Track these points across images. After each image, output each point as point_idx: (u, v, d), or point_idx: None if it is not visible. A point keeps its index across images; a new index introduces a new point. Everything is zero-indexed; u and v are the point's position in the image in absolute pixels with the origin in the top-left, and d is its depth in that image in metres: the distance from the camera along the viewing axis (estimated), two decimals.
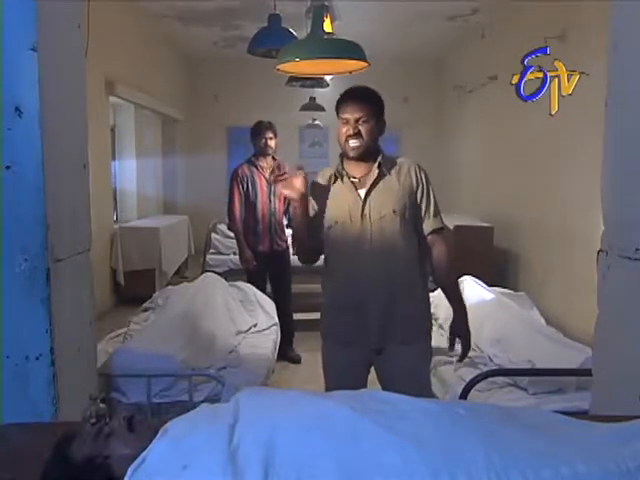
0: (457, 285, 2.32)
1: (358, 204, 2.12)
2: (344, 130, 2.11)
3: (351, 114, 2.09)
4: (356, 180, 2.15)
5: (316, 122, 8.17)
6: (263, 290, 4.20)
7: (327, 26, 3.09)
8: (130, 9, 6.24)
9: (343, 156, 2.18)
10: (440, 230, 2.22)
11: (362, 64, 2.56)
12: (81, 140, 1.82)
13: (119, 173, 6.87)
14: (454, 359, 2.36)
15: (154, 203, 8.12)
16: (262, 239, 4.13)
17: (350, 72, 2.76)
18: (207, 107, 9.40)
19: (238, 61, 7.43)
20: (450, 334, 2.22)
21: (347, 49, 2.50)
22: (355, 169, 2.16)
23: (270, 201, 4.13)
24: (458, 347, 2.22)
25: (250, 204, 4.11)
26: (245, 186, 4.10)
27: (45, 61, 1.51)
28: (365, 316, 2.15)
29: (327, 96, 7.69)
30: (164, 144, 8.53)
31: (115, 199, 6.72)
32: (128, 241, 6.00)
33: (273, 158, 4.22)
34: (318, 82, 5.17)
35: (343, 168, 2.17)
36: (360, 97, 2.13)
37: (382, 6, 6.23)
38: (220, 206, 8.26)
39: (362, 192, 2.13)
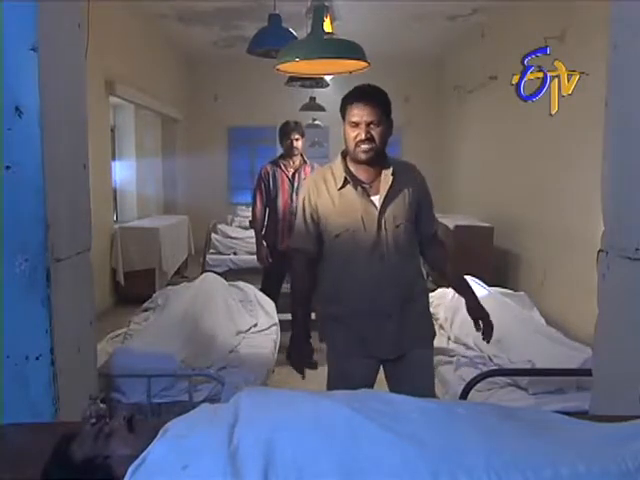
0: (463, 276, 2.31)
1: (373, 213, 2.03)
2: (354, 134, 1.98)
3: (361, 117, 1.96)
4: (367, 186, 2.05)
5: (316, 122, 8.17)
6: (279, 289, 4.20)
7: (327, 26, 3.09)
8: (130, 9, 6.24)
9: (346, 158, 2.08)
10: (436, 232, 2.23)
11: (362, 64, 2.55)
12: (81, 140, 1.82)
13: (119, 173, 6.87)
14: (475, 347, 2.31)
15: (154, 203, 8.13)
16: (282, 238, 4.10)
17: (350, 72, 2.76)
18: (207, 107, 9.40)
19: (238, 61, 7.43)
20: (471, 317, 2.18)
21: (347, 49, 2.50)
22: (363, 173, 2.06)
23: (292, 200, 4.09)
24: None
25: (271, 202, 4.12)
26: (267, 185, 4.11)
27: (45, 61, 1.51)
28: (381, 327, 2.08)
29: (327, 96, 7.70)
30: (164, 144, 8.54)
31: (115, 199, 6.73)
32: (128, 241, 6.01)
33: (302, 158, 4.18)
34: (318, 82, 5.17)
35: (350, 171, 2.06)
36: (370, 98, 1.99)
37: (382, 6, 6.22)
38: (220, 206, 8.25)
39: (376, 199, 2.04)
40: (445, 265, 2.23)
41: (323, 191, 2.09)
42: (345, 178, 2.05)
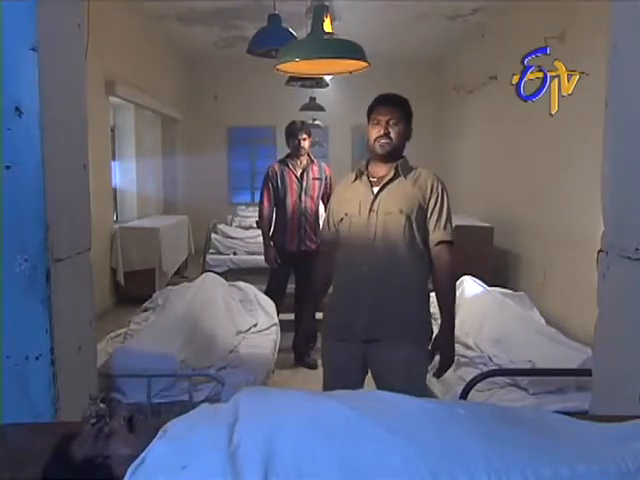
0: (453, 300, 2.28)
1: (369, 199, 2.22)
2: (374, 131, 2.23)
3: (382, 116, 2.22)
4: (374, 179, 2.26)
5: (316, 122, 8.16)
6: (284, 290, 4.18)
7: (327, 26, 3.08)
8: (130, 9, 6.24)
9: (370, 158, 2.30)
10: (448, 243, 2.23)
11: (362, 64, 2.56)
12: (81, 140, 1.82)
13: (119, 173, 6.87)
14: (431, 372, 2.33)
15: (154, 203, 8.13)
16: (290, 238, 4.07)
17: (350, 72, 2.76)
18: (207, 107, 9.41)
19: (238, 61, 7.43)
20: (432, 347, 2.24)
21: (347, 49, 2.50)
22: (378, 170, 2.27)
23: (300, 200, 4.05)
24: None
25: (279, 202, 4.09)
26: (275, 184, 4.08)
27: (45, 61, 1.51)
28: (358, 308, 2.20)
29: (327, 96, 7.70)
30: (164, 144, 8.54)
31: (115, 199, 6.73)
32: (128, 241, 6.01)
33: (309, 157, 4.16)
34: (318, 82, 5.17)
35: (367, 168, 2.29)
36: (391, 101, 2.27)
37: (382, 6, 6.23)
38: (220, 206, 8.25)
39: (376, 189, 2.24)
40: (437, 279, 2.27)
41: (341, 185, 2.42)
42: (356, 173, 2.30)
